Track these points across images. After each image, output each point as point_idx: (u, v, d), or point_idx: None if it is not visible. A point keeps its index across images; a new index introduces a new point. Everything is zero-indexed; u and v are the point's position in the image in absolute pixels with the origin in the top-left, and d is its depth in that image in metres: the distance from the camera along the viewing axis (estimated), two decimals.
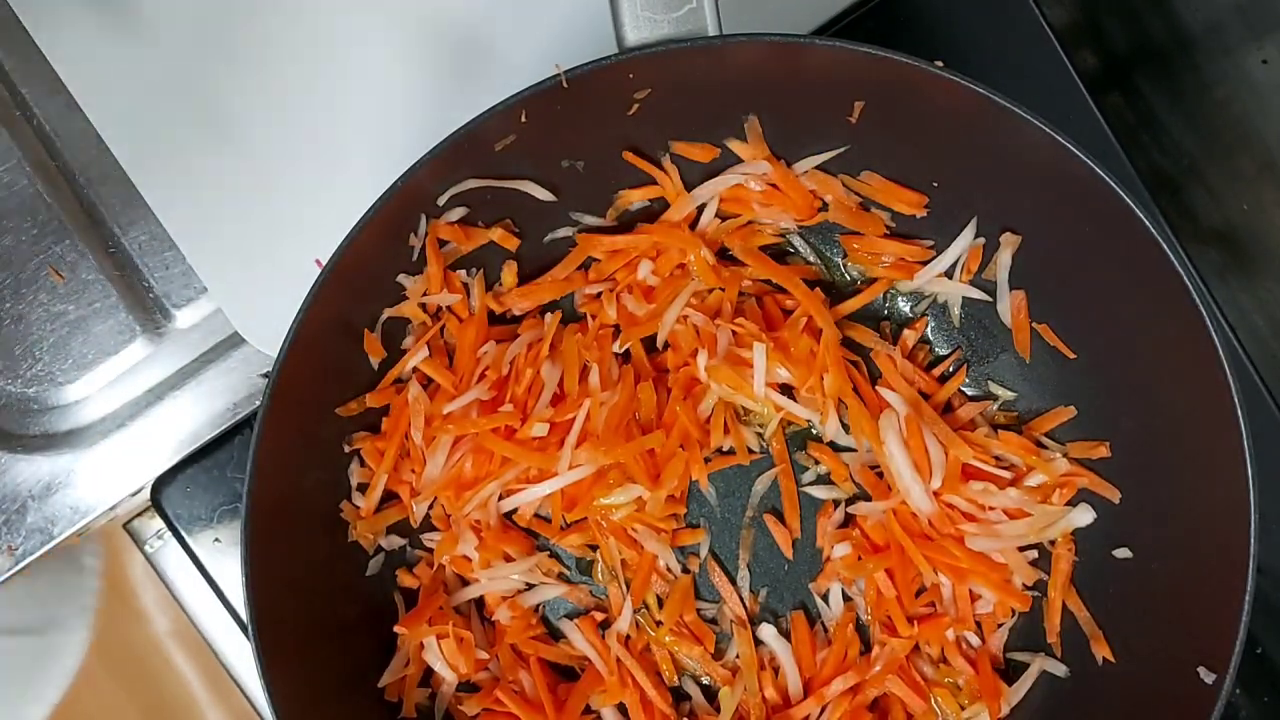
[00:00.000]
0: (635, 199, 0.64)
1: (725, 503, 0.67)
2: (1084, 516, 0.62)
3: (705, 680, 0.66)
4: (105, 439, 0.72)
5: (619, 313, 0.64)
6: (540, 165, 0.62)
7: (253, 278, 0.68)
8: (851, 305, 0.65)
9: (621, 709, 0.64)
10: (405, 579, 0.65)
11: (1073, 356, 0.62)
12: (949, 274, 0.64)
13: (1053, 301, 0.63)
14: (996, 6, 0.70)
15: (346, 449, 0.63)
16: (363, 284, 0.60)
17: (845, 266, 0.66)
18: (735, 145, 0.62)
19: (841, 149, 0.61)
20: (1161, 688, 0.58)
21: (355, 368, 0.62)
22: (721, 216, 0.65)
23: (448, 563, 0.64)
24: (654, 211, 0.65)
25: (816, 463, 0.66)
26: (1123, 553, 0.61)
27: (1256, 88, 0.74)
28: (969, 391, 0.66)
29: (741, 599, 0.66)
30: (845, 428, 0.65)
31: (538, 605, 0.66)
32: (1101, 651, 0.61)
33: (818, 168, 0.63)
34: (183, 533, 0.72)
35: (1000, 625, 0.64)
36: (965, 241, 0.63)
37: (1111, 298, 0.59)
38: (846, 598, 0.66)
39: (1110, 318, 0.60)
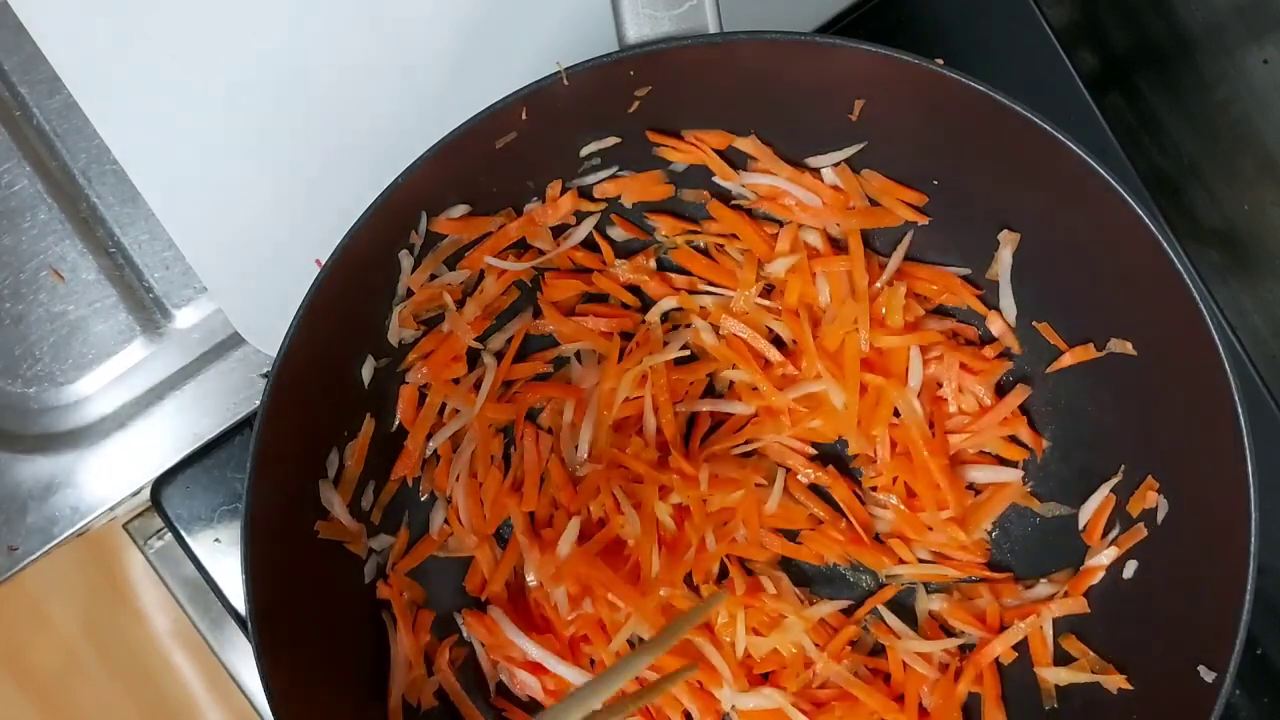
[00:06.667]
0: (675, 158, 0.63)
1: None
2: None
3: None
4: (105, 439, 0.71)
5: None
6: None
7: (253, 278, 0.68)
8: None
9: None
10: (382, 591, 0.64)
11: None
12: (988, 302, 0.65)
13: (1053, 301, 0.63)
14: (996, 6, 0.70)
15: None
16: (363, 282, 0.60)
17: None
18: (740, 143, 0.62)
19: (859, 145, 0.61)
20: (1161, 687, 0.58)
21: (356, 367, 0.62)
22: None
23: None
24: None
25: None
26: (1129, 570, 0.61)
27: (1256, 88, 0.73)
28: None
29: None
30: None
31: None
32: (1116, 683, 0.61)
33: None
34: (183, 533, 0.72)
35: None
36: None
37: (1111, 297, 0.59)
38: None
39: (1110, 317, 0.60)
